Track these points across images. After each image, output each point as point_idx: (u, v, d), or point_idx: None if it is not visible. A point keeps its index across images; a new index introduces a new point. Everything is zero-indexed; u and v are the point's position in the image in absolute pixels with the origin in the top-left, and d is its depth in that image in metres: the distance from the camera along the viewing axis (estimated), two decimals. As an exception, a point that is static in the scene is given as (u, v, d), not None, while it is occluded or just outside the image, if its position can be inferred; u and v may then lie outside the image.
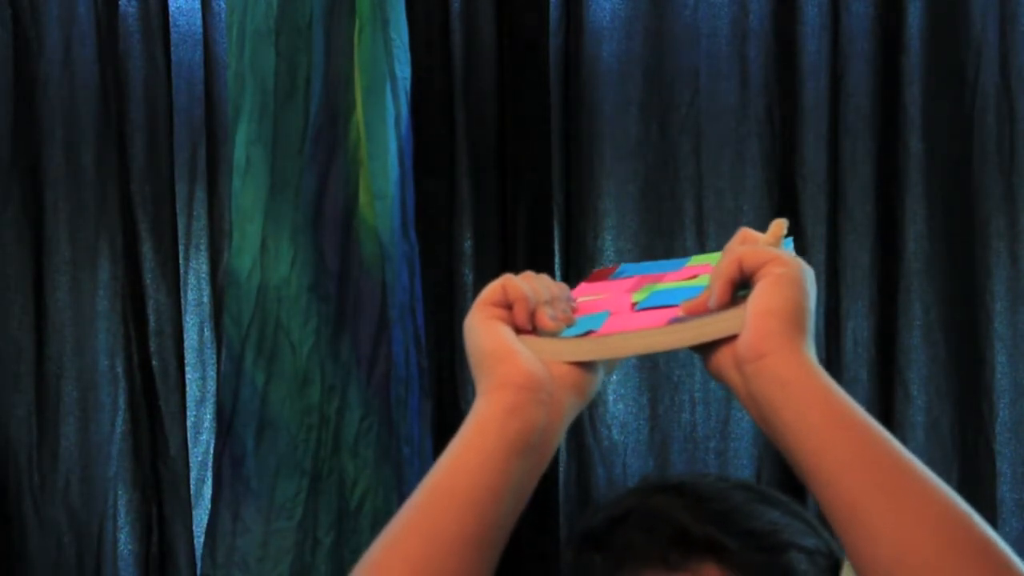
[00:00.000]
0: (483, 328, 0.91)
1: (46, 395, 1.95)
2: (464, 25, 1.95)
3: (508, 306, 0.92)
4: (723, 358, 0.88)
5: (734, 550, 0.96)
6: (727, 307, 0.89)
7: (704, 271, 1.00)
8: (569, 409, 0.91)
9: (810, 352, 0.86)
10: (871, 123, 1.96)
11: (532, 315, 0.93)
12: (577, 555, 1.04)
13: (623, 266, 1.10)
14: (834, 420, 0.83)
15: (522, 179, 1.95)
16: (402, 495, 1.75)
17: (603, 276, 1.08)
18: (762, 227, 2.06)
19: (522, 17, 1.93)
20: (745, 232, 0.96)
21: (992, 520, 1.93)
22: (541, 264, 1.95)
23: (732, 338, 0.87)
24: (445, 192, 1.95)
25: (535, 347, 0.91)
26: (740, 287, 0.90)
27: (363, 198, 1.75)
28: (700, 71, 1.97)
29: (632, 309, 0.96)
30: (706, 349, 0.90)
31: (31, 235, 1.95)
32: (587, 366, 0.92)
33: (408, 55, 1.78)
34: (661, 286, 1.00)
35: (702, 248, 1.97)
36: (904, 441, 1.93)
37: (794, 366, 0.85)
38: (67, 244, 1.96)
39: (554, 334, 0.92)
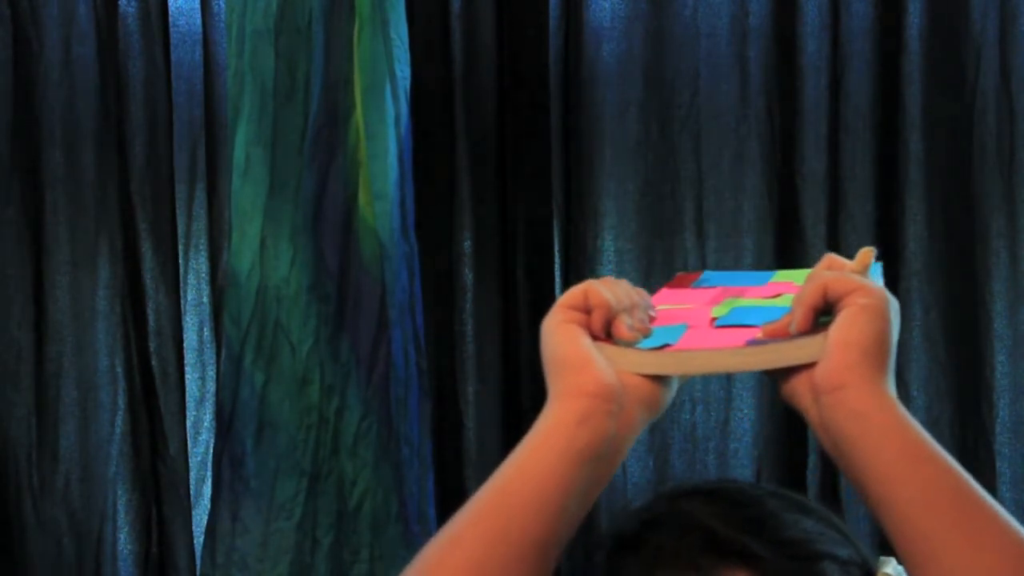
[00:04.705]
0: (561, 332, 0.90)
1: (46, 395, 1.95)
2: (464, 25, 1.95)
3: (587, 311, 0.91)
4: (799, 385, 0.87)
5: (766, 558, 0.94)
6: (808, 334, 0.87)
7: (788, 289, 0.98)
8: (639, 422, 0.90)
9: (889, 386, 0.86)
10: (871, 123, 1.96)
11: (610, 323, 0.92)
12: (608, 558, 1.02)
13: (706, 273, 1.08)
14: (910, 455, 0.83)
15: (522, 179, 1.95)
16: (401, 495, 1.75)
17: (685, 283, 1.07)
18: (762, 227, 2.07)
19: (522, 17, 1.94)
20: (831, 258, 0.94)
21: (992, 520, 1.93)
22: (541, 264, 1.95)
23: (810, 365, 0.86)
24: (445, 192, 1.95)
25: (610, 356, 0.90)
26: (823, 314, 0.88)
27: (363, 198, 1.75)
28: (700, 71, 1.97)
29: (711, 325, 0.95)
30: (781, 373, 0.89)
31: (31, 235, 1.95)
32: (660, 379, 0.91)
33: (408, 55, 1.78)
34: (743, 302, 0.98)
35: (700, 247, 1.97)
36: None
37: (872, 400, 0.84)
38: (67, 244, 1.96)
39: (630, 344, 0.91)
